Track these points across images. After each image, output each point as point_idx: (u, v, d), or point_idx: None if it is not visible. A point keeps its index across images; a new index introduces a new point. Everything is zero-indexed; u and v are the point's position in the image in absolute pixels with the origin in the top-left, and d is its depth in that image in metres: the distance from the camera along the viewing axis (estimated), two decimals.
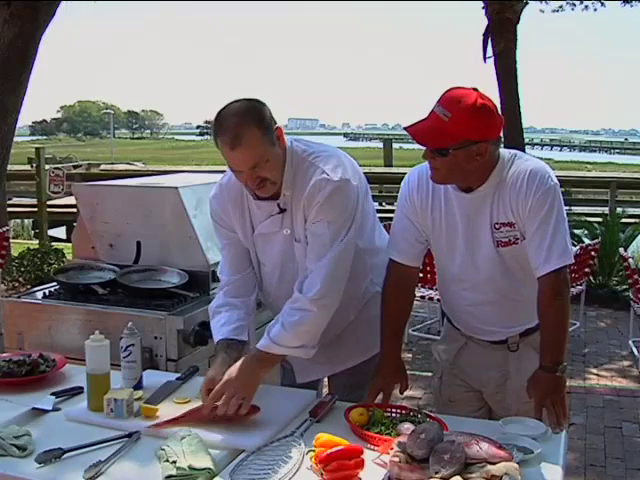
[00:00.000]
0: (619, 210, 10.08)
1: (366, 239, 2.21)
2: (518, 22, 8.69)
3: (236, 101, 1.99)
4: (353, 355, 2.30)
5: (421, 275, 5.12)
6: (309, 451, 1.69)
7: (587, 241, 6.78)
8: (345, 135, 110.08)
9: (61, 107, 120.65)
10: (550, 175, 1.98)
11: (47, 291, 2.89)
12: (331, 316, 2.06)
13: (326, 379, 2.43)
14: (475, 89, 1.93)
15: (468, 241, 2.06)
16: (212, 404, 1.88)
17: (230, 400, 1.87)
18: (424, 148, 1.96)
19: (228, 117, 1.94)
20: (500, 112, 1.97)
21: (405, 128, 1.95)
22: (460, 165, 1.92)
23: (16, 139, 7.48)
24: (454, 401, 2.26)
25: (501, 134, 2.00)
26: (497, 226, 2.01)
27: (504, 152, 2.04)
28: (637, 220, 9.80)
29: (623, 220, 8.23)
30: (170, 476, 1.58)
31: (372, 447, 1.76)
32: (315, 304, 2.00)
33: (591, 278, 6.79)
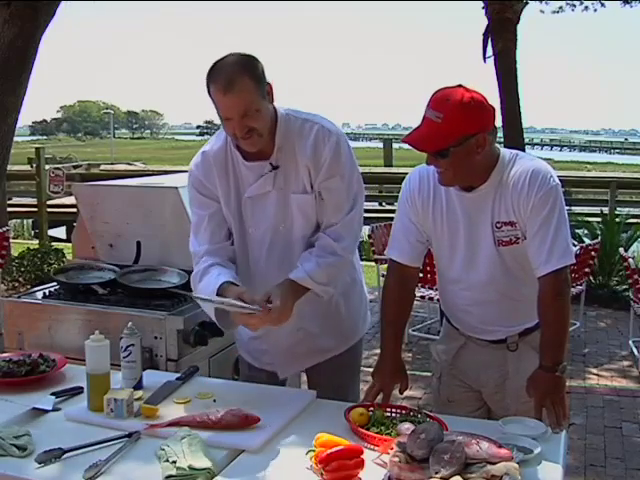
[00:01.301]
0: (623, 211, 10.08)
1: None
2: (518, 22, 8.69)
3: (231, 54, 2.04)
4: (334, 345, 2.33)
5: (421, 275, 5.12)
6: (309, 451, 1.69)
7: (587, 241, 6.78)
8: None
9: (61, 107, 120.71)
10: (552, 175, 1.98)
11: (47, 291, 2.89)
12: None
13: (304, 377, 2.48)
14: (460, 85, 1.94)
15: (469, 240, 2.06)
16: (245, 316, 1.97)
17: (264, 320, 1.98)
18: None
19: (223, 66, 2.00)
20: (491, 104, 1.97)
21: (403, 140, 1.97)
22: (463, 162, 1.93)
23: (16, 139, 7.48)
24: (453, 401, 2.26)
25: (496, 125, 2.00)
26: (498, 225, 2.02)
27: (505, 152, 2.04)
28: (637, 220, 9.79)
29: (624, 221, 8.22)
30: (170, 476, 1.58)
31: (372, 447, 1.76)
32: (346, 252, 2.16)
33: (591, 278, 6.79)
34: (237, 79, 1.96)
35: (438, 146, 1.92)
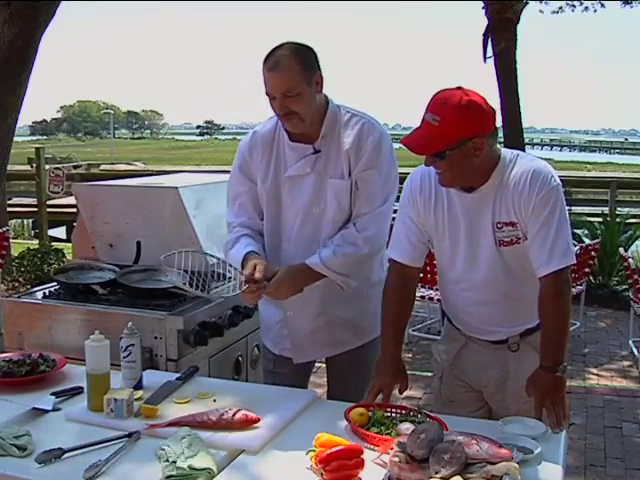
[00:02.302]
0: (624, 211, 10.07)
1: None
2: (518, 22, 8.69)
3: (288, 42, 2.22)
4: (353, 338, 2.38)
5: (421, 275, 5.12)
6: (309, 451, 1.69)
7: (587, 241, 6.78)
8: None
9: (61, 107, 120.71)
10: (553, 175, 1.98)
11: (47, 291, 2.89)
12: (372, 261, 2.32)
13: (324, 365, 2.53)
14: (459, 87, 1.94)
15: (470, 241, 2.06)
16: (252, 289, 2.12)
17: (259, 293, 2.14)
18: None
19: (277, 49, 2.18)
20: (491, 106, 1.97)
21: (402, 142, 1.98)
22: (461, 164, 1.93)
23: (16, 139, 7.48)
24: (454, 401, 2.26)
25: (496, 126, 2.00)
26: (499, 225, 2.02)
27: (506, 152, 2.04)
28: (638, 220, 9.79)
29: (624, 221, 8.22)
30: (170, 476, 1.58)
31: (372, 447, 1.76)
32: (367, 244, 2.23)
33: (591, 278, 6.79)
34: (284, 60, 2.15)
35: (434, 149, 1.93)
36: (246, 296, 2.18)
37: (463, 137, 1.90)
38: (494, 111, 1.97)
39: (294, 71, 2.14)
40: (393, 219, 2.27)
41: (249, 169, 2.35)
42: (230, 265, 2.24)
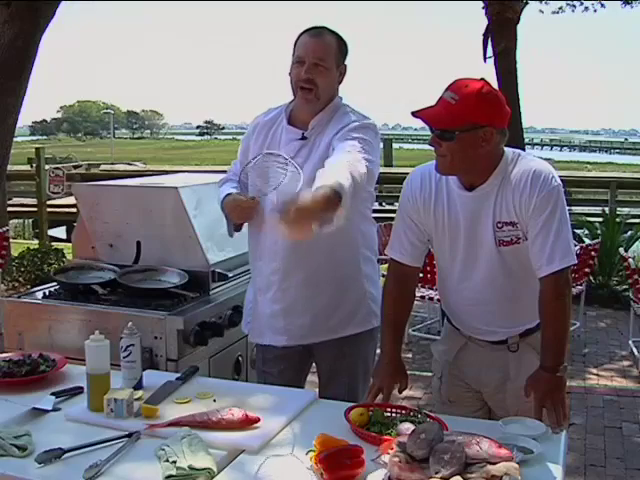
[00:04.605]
0: (623, 211, 10.06)
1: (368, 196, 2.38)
2: (518, 22, 8.69)
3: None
4: (340, 325, 2.39)
5: (421, 275, 5.12)
6: (309, 451, 1.69)
7: (587, 241, 6.77)
8: None
9: (61, 107, 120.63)
10: (554, 176, 1.98)
11: (47, 291, 2.89)
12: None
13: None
14: (483, 79, 1.96)
15: (470, 240, 2.06)
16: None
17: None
18: (426, 147, 1.97)
19: (321, 27, 2.32)
20: (509, 106, 1.99)
21: (413, 113, 1.96)
22: (466, 150, 1.93)
23: (16, 139, 7.49)
24: (454, 401, 2.26)
25: (507, 127, 2.00)
26: (499, 225, 2.01)
27: (507, 151, 2.04)
28: (638, 220, 9.79)
29: (624, 221, 8.22)
30: (170, 476, 1.58)
31: (372, 447, 1.76)
32: (354, 150, 2.16)
33: (591, 278, 6.78)
34: (327, 35, 2.30)
35: (446, 124, 1.93)
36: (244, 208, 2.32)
37: (476, 122, 1.91)
38: (510, 111, 1.98)
39: (333, 46, 2.28)
40: (393, 219, 2.26)
41: (247, 143, 2.47)
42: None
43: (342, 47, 2.33)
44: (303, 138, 2.32)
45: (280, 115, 2.41)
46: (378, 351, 2.19)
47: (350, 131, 2.24)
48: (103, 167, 21.35)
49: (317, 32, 2.29)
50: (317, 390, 2.39)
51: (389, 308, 2.18)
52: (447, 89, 1.95)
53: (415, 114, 1.95)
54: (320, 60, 2.24)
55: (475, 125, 1.92)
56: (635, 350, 5.55)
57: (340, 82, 2.34)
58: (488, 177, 2.00)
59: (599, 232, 7.69)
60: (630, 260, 5.48)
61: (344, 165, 2.05)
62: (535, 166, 2.00)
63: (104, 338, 2.00)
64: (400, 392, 2.15)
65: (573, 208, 11.77)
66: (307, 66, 2.25)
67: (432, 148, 1.99)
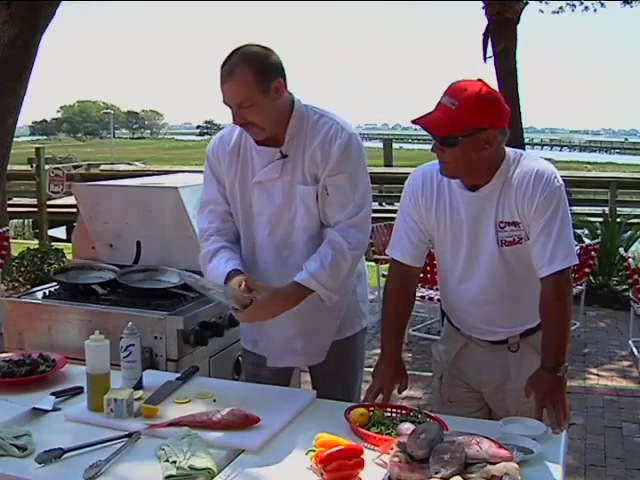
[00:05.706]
0: (623, 211, 10.06)
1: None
2: (518, 22, 8.69)
3: (248, 45, 2.12)
4: (337, 334, 2.35)
5: (421, 275, 5.11)
6: (309, 451, 1.69)
7: (587, 241, 6.77)
8: None
9: (61, 107, 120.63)
10: (556, 176, 1.98)
11: (47, 291, 2.89)
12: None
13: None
14: (480, 80, 1.95)
15: (471, 240, 2.06)
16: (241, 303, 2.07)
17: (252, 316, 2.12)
18: (426, 147, 1.97)
19: (233, 56, 2.09)
20: (507, 105, 1.98)
21: (413, 121, 1.95)
22: (469, 155, 1.93)
23: (16, 139, 7.49)
24: (454, 401, 2.26)
25: (508, 126, 2.00)
26: (502, 225, 2.01)
27: (509, 151, 2.04)
28: (638, 220, 9.79)
29: (624, 221, 8.22)
30: (170, 476, 1.58)
31: (372, 447, 1.76)
32: (351, 253, 2.16)
33: (591, 278, 6.78)
34: (237, 70, 2.06)
35: (448, 131, 1.92)
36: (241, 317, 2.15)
37: (478, 125, 1.90)
38: (510, 110, 1.98)
39: (247, 81, 2.04)
40: (392, 219, 2.26)
41: (219, 174, 2.27)
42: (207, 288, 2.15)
43: (261, 70, 2.06)
44: (283, 156, 2.17)
45: (241, 138, 2.23)
46: (378, 351, 2.19)
47: (337, 173, 2.14)
48: (103, 167, 21.37)
49: (228, 72, 2.06)
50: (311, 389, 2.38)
51: (390, 308, 2.17)
52: (445, 93, 1.93)
53: (415, 122, 1.94)
54: (242, 102, 2.05)
55: (477, 129, 1.91)
56: (635, 350, 5.55)
57: (281, 96, 2.12)
58: (491, 178, 2.00)
59: (599, 232, 7.69)
60: (630, 260, 5.48)
61: (327, 264, 2.12)
62: (537, 166, 2.00)
63: (104, 338, 2.00)
64: (400, 392, 2.15)
65: (573, 208, 11.77)
66: (235, 112, 2.08)
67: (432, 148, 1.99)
